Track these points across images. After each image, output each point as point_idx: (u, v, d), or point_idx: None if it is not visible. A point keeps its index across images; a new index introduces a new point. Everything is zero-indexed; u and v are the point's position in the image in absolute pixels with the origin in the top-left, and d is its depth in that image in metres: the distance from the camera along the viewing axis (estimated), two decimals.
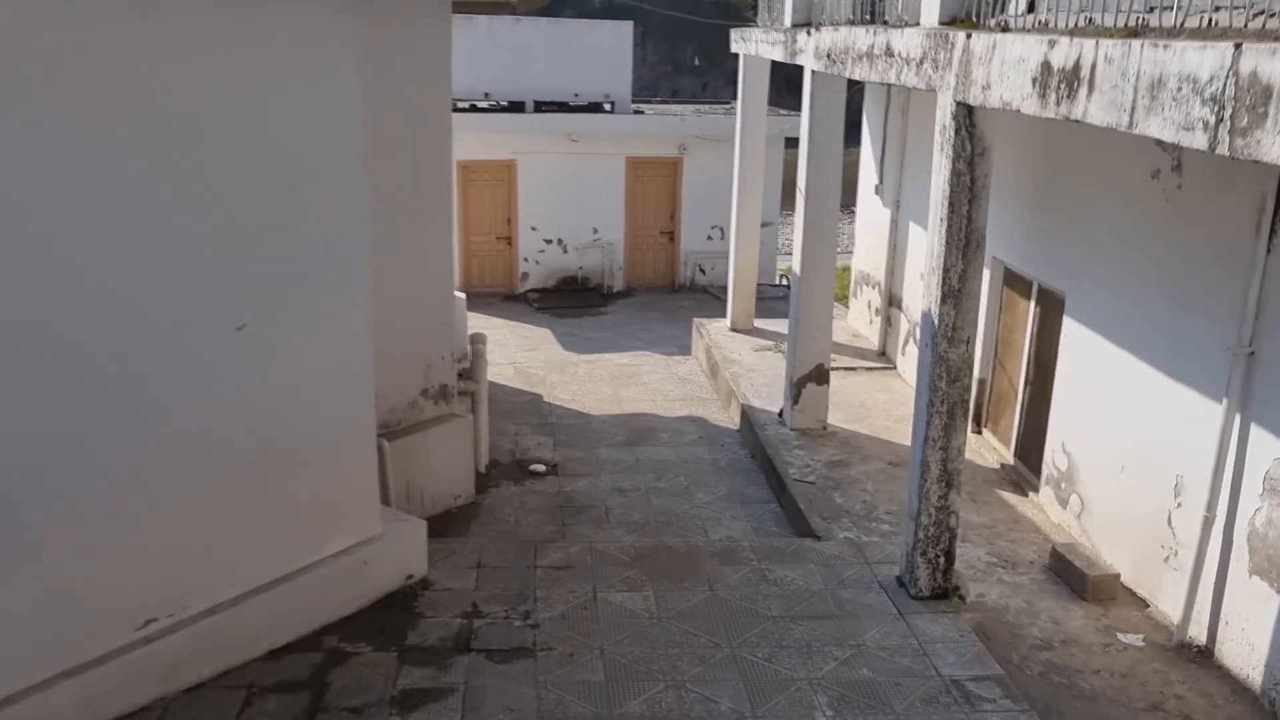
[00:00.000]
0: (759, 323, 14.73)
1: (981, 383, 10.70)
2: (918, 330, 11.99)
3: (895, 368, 13.03)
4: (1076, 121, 5.19)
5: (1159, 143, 7.43)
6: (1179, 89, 4.34)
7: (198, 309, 5.90)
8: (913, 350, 12.44)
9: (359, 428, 7.04)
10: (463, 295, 13.34)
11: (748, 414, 11.51)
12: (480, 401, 10.12)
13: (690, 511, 9.68)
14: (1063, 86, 5.27)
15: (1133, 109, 4.68)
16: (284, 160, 6.17)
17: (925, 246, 7.13)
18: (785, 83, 19.72)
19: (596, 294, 19.72)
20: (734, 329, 14.46)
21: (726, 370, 12.82)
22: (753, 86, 13.98)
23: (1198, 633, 7.05)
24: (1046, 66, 5.43)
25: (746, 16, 63.47)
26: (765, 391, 12.10)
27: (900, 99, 12.75)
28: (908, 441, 10.90)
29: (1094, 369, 8.45)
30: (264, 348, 6.21)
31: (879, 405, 11.88)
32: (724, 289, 19.87)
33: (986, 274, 10.47)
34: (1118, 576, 7.81)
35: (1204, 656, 6.97)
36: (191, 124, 5.68)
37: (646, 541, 8.71)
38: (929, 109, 11.92)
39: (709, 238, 20.21)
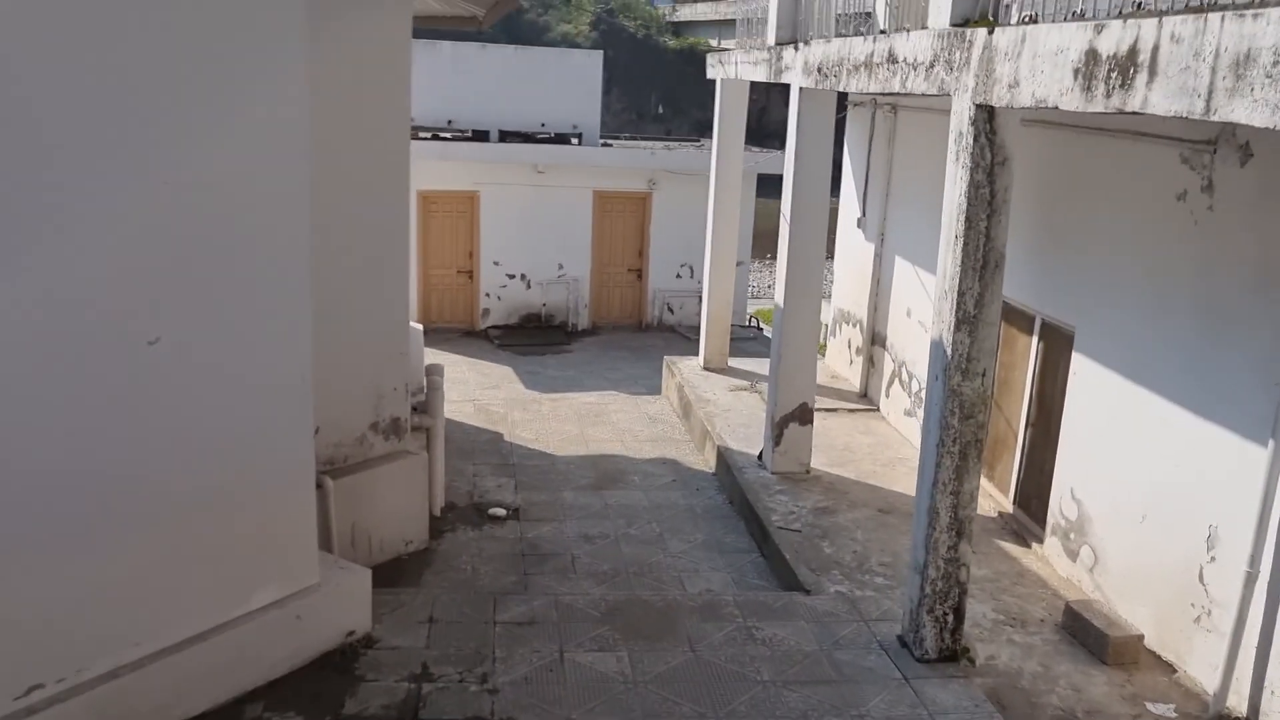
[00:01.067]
0: (733, 362, 13.99)
1: None
2: (904, 369, 11.31)
3: (878, 409, 12.32)
4: (1133, 113, 4.50)
5: (1186, 161, 6.83)
6: (1275, 64, 3.66)
7: (101, 316, 5.03)
8: (898, 391, 11.75)
9: (296, 462, 6.16)
10: (420, 327, 12.52)
11: (724, 456, 10.72)
12: (436, 438, 9.26)
13: (665, 561, 8.84)
14: (1114, 75, 4.59)
15: (1210, 93, 3.99)
16: (214, 145, 5.35)
17: (938, 268, 6.43)
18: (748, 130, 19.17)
19: (560, 332, 18.92)
20: (707, 368, 13.70)
21: (700, 410, 12.05)
22: (729, 115, 13.35)
23: (1237, 703, 6.31)
24: (1092, 55, 4.75)
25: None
26: (742, 433, 11.33)
27: (885, 126, 12.17)
28: (896, 487, 10.21)
29: (1108, 409, 7.77)
30: (182, 365, 5.34)
31: (863, 449, 11.14)
32: (693, 329, 19.21)
33: None
34: (1140, 638, 7.06)
35: None
36: (102, 93, 4.85)
37: (618, 594, 7.86)
38: (918, 135, 11.37)
39: (678, 276, 19.52)
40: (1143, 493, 7.32)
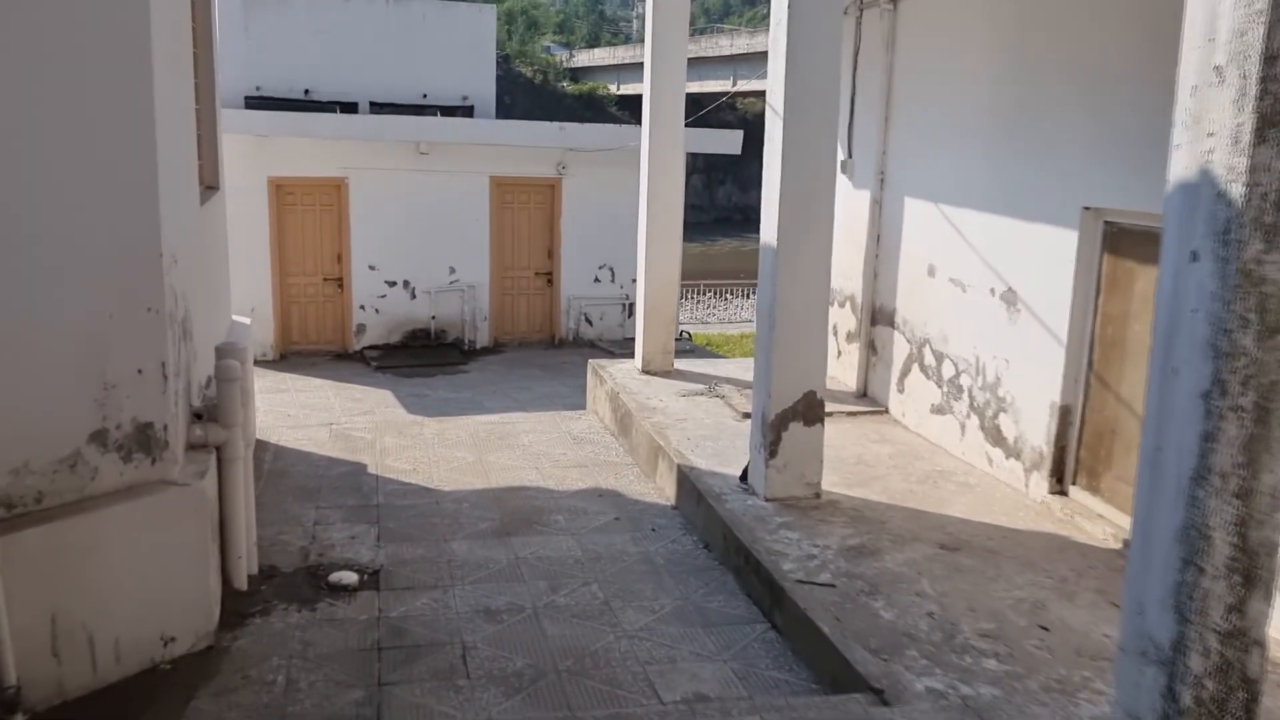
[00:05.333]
0: (680, 363, 10.60)
1: (1065, 413, 6.75)
2: (929, 349, 8.06)
3: (888, 410, 9.02)
4: None
5: None
6: None
7: None
8: (919, 382, 8.47)
9: None
10: (246, 320, 8.90)
11: (689, 479, 7.28)
12: (234, 461, 5.63)
13: (618, 648, 5.34)
14: None
15: None
16: None
17: (1188, 24, 3.12)
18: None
19: (454, 350, 15.35)
20: (647, 371, 10.28)
21: (645, 421, 8.60)
22: (667, 31, 10.03)
23: None
24: None
25: (610, 111, 61.14)
26: (710, 447, 7.92)
27: (880, 31, 9.00)
28: (952, 512, 6.86)
29: None
30: None
31: (884, 462, 7.81)
32: (618, 343, 15.84)
33: (1071, 239, 6.65)
34: None
35: None
36: None
37: (543, 719, 4.33)
38: (936, 26, 8.16)
39: (597, 280, 16.17)
40: None
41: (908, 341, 8.67)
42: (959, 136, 7.86)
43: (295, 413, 10.99)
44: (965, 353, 7.80)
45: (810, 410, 6.79)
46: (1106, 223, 6.38)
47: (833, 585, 5.55)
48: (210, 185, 7.66)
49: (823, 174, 6.52)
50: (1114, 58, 6.18)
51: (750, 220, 57.90)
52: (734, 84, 51.20)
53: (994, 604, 5.38)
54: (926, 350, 8.34)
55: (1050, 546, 6.19)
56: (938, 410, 8.19)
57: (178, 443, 5.08)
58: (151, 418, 4.87)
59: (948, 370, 8.04)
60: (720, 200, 61.33)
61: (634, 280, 15.46)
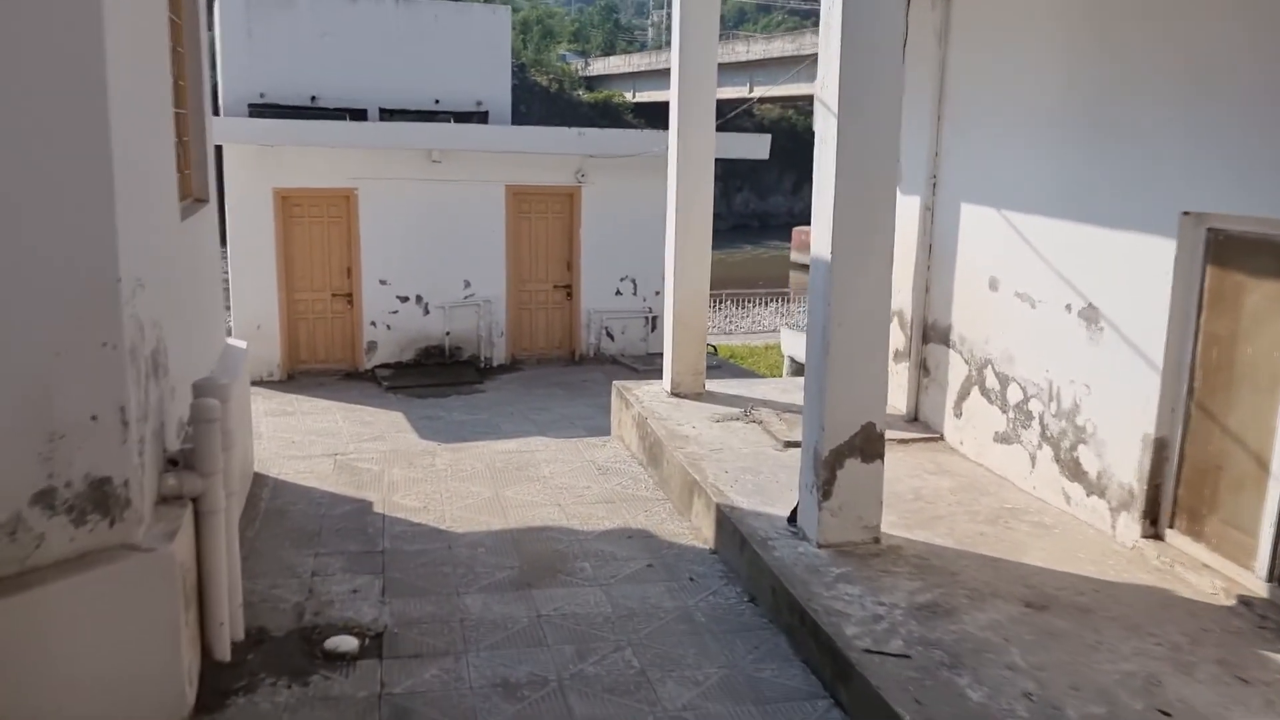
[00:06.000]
0: (711, 384, 9.83)
1: (1160, 446, 5.94)
2: (992, 370, 7.28)
3: (943, 437, 8.22)
4: None
5: None
6: None
7: None
8: (980, 407, 7.66)
9: None
10: (243, 344, 8.19)
11: (730, 521, 6.51)
12: (214, 514, 4.89)
13: None
14: None
15: None
16: None
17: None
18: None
19: (470, 368, 14.63)
20: (677, 393, 9.50)
21: (678, 451, 7.83)
22: (695, 34, 9.28)
23: None
24: None
25: (627, 119, 60.56)
26: (750, 482, 7.15)
27: (933, 19, 8.23)
28: (1030, 559, 6.07)
29: None
30: None
31: (945, 497, 7.02)
32: (641, 359, 15.12)
33: (1168, 248, 5.85)
34: None
35: None
36: None
37: None
38: (993, 17, 7.37)
39: (618, 293, 15.43)
40: None
41: (965, 362, 7.87)
42: (1026, 134, 7.08)
43: (300, 439, 10.30)
44: (1035, 376, 7.00)
45: (869, 445, 6.01)
46: (1210, 230, 5.58)
47: (907, 656, 4.76)
48: (198, 198, 6.95)
49: (883, 178, 5.75)
50: (1220, 39, 5.39)
51: (768, 227, 57.08)
52: (751, 90, 50.47)
53: (1100, 679, 4.58)
54: (988, 372, 7.54)
55: (1152, 603, 5.38)
56: (1002, 439, 7.39)
57: (142, 499, 4.35)
58: (109, 472, 4.14)
59: (1014, 394, 7.24)
60: (738, 207, 60.63)
61: (657, 292, 14.79)
